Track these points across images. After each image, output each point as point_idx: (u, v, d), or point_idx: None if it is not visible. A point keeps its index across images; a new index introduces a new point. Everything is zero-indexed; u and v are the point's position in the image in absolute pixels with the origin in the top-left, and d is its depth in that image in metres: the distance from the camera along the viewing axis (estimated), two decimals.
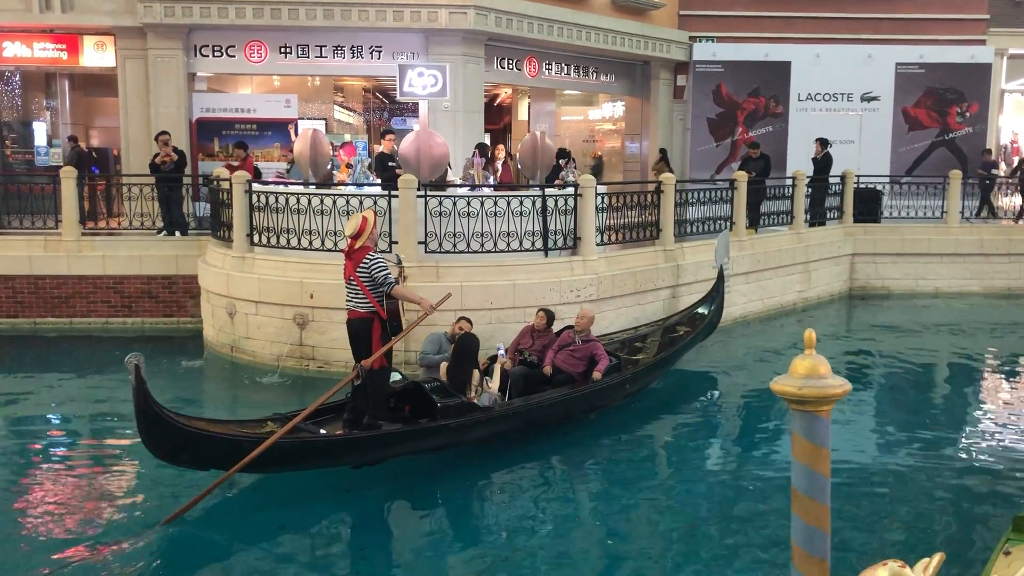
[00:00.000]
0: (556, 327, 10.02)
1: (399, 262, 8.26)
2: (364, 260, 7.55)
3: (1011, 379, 12.05)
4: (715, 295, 11.57)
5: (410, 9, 15.89)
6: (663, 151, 20.04)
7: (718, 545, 6.66)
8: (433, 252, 10.75)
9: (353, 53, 16.69)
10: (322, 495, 7.46)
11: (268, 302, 11.10)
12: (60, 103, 18.38)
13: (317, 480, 7.58)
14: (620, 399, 9.70)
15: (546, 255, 11.26)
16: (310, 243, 10.98)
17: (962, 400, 10.97)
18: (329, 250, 10.86)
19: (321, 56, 16.66)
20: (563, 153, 14.09)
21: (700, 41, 20.77)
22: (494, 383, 8.31)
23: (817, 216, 16.27)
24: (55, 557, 6.24)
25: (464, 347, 8.53)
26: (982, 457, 8.51)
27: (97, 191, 15.76)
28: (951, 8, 21.05)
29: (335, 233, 10.83)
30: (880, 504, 7.32)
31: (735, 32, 20.93)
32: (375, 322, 7.55)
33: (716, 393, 11.19)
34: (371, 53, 16.72)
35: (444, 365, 8.66)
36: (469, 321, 9.20)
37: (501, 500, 7.73)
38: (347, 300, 7.76)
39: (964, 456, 8.58)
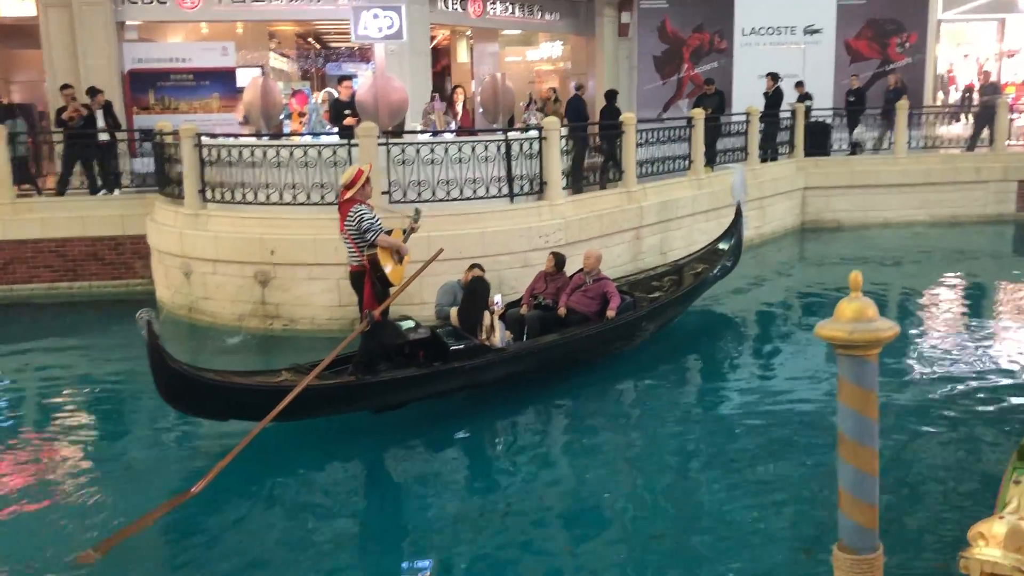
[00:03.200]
0: (528, 273, 9.90)
1: (416, 213, 8.08)
2: (351, 212, 7.41)
3: (974, 304, 12.33)
4: (733, 231, 11.37)
5: None
6: (554, 90, 19.40)
7: (744, 484, 6.59)
8: (398, 202, 10.41)
9: None
10: (343, 440, 7.57)
11: (226, 260, 10.67)
12: None
13: (338, 425, 7.66)
14: (640, 338, 9.71)
15: (511, 201, 11.04)
16: (267, 197, 10.56)
17: (930, 328, 11.11)
18: (288, 204, 10.48)
19: (258, 0, 15.91)
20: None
21: None
22: (495, 335, 8.21)
23: (770, 152, 16.29)
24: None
25: (474, 290, 8.55)
26: (971, 385, 8.59)
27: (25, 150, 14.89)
28: None
29: (294, 186, 10.44)
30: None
31: None
32: (367, 275, 7.46)
33: (722, 331, 11.20)
34: None
35: (455, 309, 8.66)
36: (481, 268, 9.03)
37: (518, 441, 7.84)
38: (347, 255, 7.69)
39: (953, 385, 8.62)
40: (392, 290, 7.62)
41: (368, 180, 7.62)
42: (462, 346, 7.99)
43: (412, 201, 10.39)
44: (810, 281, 13.67)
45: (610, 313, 9.06)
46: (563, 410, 8.50)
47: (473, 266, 9.08)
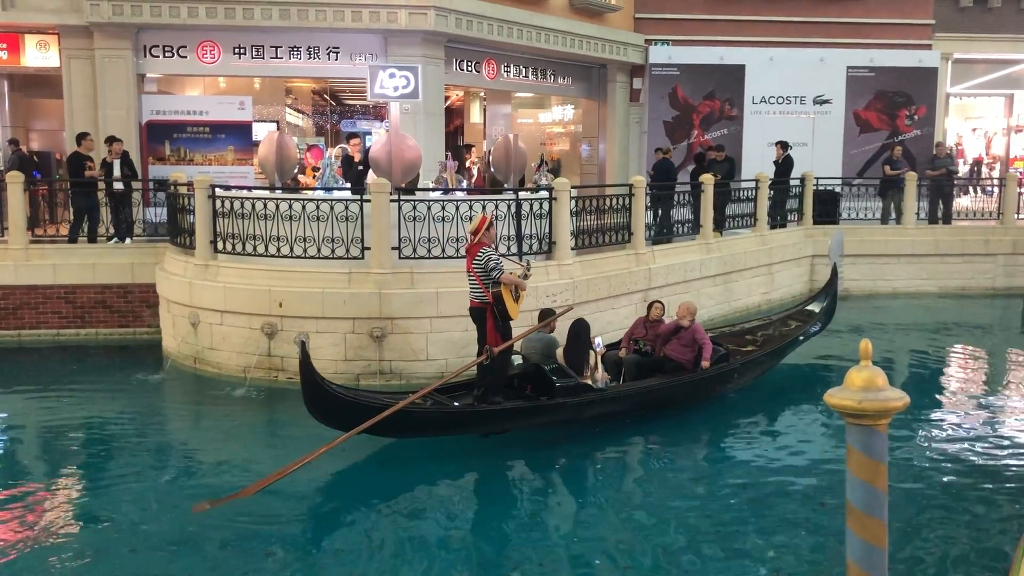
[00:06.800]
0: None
1: (528, 265, 9.04)
2: (479, 253, 8.39)
3: (984, 377, 12.21)
4: (828, 292, 11.82)
5: (369, 10, 15.56)
6: (542, 157, 19.33)
7: (753, 552, 6.49)
8: (407, 258, 10.47)
9: (310, 54, 16.29)
10: (452, 457, 8.31)
11: (234, 311, 10.68)
12: None
13: (451, 444, 8.49)
14: (730, 388, 10.26)
15: (520, 260, 11.05)
16: (278, 250, 10.60)
17: (941, 400, 10.98)
18: (298, 257, 10.52)
19: (276, 57, 16.21)
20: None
21: (656, 44, 20.81)
22: (598, 374, 8.85)
23: (778, 218, 16.37)
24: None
25: (576, 330, 9.15)
26: (980, 458, 8.47)
27: (40, 197, 15.06)
28: (899, 13, 21.46)
29: (305, 239, 10.50)
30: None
31: (690, 35, 21.02)
32: (488, 310, 8.40)
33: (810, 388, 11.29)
34: (328, 54, 16.34)
35: (561, 350, 9.20)
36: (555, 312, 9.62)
37: (609, 472, 8.37)
38: (470, 291, 8.65)
39: (962, 458, 8.49)
40: (511, 326, 8.52)
41: (491, 225, 8.65)
42: (567, 383, 8.70)
43: (421, 257, 10.48)
44: (821, 349, 13.58)
45: (704, 364, 9.52)
46: (650, 447, 8.96)
47: (546, 311, 9.50)
